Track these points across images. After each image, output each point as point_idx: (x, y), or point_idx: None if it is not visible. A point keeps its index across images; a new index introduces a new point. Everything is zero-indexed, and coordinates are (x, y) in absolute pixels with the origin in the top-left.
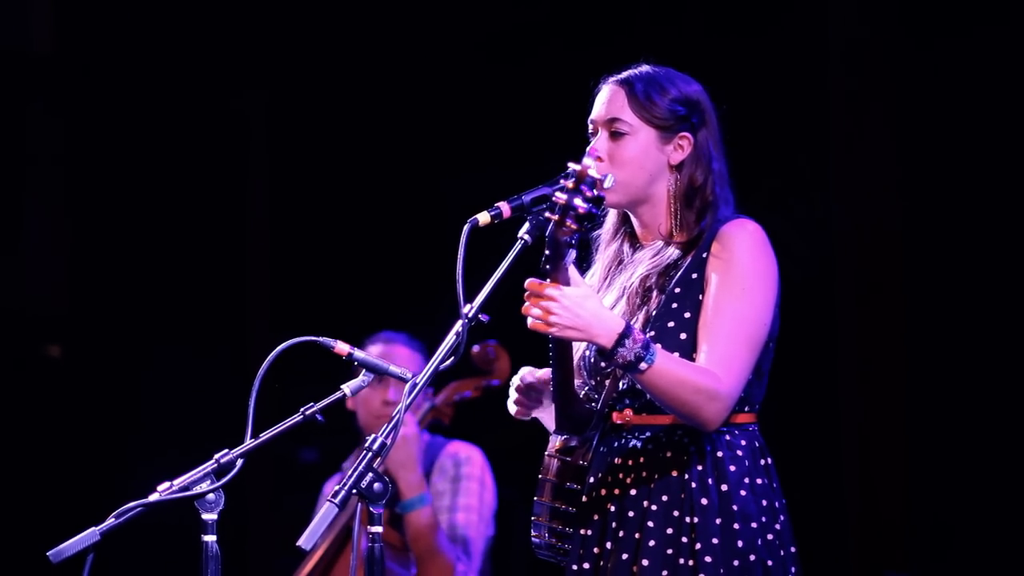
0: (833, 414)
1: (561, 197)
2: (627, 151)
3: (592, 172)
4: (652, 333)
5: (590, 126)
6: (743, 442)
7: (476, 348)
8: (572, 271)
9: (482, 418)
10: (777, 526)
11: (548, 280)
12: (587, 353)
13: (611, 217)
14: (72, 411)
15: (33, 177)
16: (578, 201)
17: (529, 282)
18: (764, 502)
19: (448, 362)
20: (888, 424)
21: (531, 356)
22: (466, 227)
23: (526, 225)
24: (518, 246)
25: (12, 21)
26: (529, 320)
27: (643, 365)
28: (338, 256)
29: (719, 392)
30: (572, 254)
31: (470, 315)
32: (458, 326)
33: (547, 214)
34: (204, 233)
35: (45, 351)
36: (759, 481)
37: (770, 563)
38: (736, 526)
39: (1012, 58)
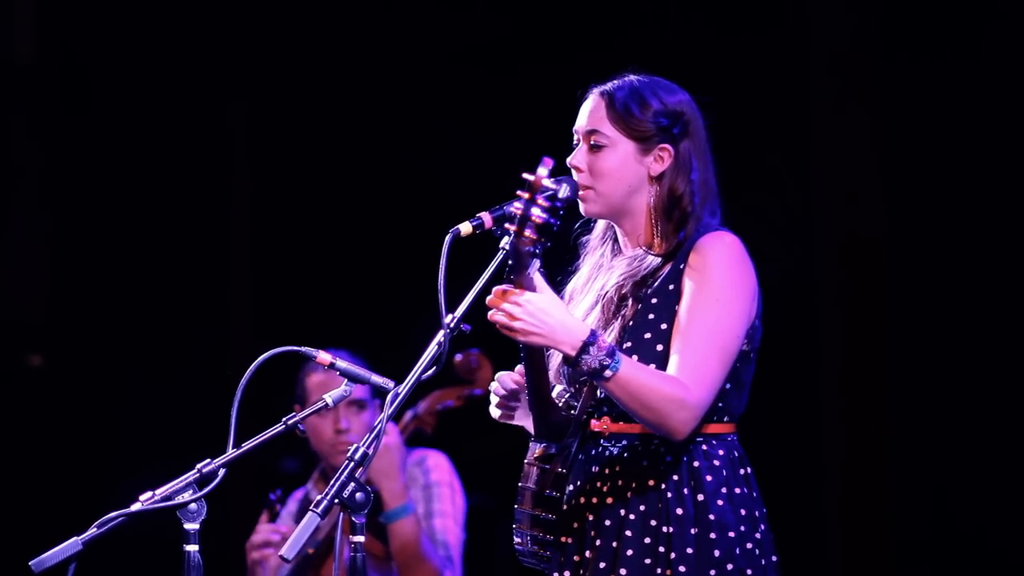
0: (814, 421)
1: (518, 208)
2: (606, 163)
3: (546, 182)
4: (629, 344)
5: (574, 135)
6: (721, 452)
7: (459, 357)
8: (538, 279)
9: (464, 427)
10: (757, 535)
11: (513, 284)
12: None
13: (600, 223)
14: (53, 420)
15: (14, 187)
16: (535, 211)
17: (495, 289)
18: (743, 511)
19: (431, 371)
20: (869, 431)
21: (514, 366)
22: (448, 237)
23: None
24: (500, 256)
25: None
26: (496, 325)
27: (608, 372)
28: (320, 265)
29: (687, 401)
30: (536, 263)
31: (452, 325)
32: (440, 335)
33: (506, 224)
34: (186, 243)
35: (26, 360)
36: (737, 491)
37: (749, 572)
38: (712, 535)
39: (994, 65)
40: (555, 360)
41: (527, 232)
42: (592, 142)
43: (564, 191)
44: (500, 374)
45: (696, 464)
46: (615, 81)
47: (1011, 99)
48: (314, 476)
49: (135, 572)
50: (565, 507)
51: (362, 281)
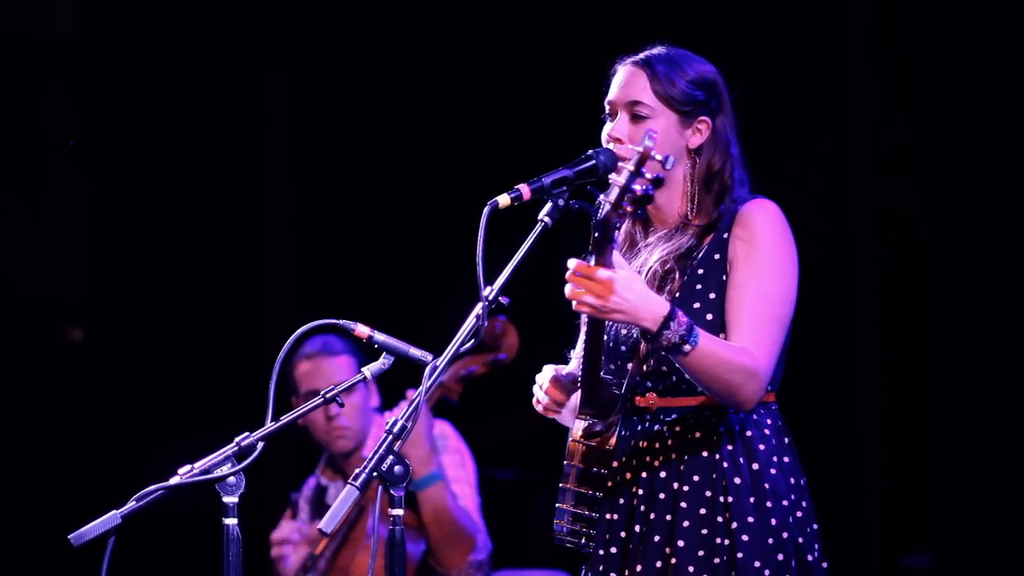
0: (854, 394)
1: (619, 180)
2: (647, 133)
3: (656, 155)
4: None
5: (607, 107)
6: (768, 421)
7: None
8: (616, 254)
9: (494, 398)
10: (804, 503)
11: (594, 263)
12: (606, 337)
13: None
14: (93, 395)
15: (53, 161)
16: (637, 184)
17: (579, 264)
18: (792, 480)
19: (469, 344)
20: (909, 405)
21: (539, 332)
22: (486, 209)
23: (547, 207)
24: (538, 228)
25: (31, 4)
26: (575, 302)
27: (687, 347)
28: (358, 240)
29: (756, 371)
30: (619, 237)
31: (491, 297)
32: (479, 308)
33: (601, 197)
34: (224, 216)
35: (66, 335)
36: (786, 460)
37: (800, 540)
38: (769, 504)
39: None
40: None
41: (624, 205)
42: (634, 112)
43: (670, 163)
44: (548, 374)
45: (749, 434)
46: (649, 51)
47: None
48: (321, 463)
49: (174, 546)
50: (610, 484)
51: (399, 255)
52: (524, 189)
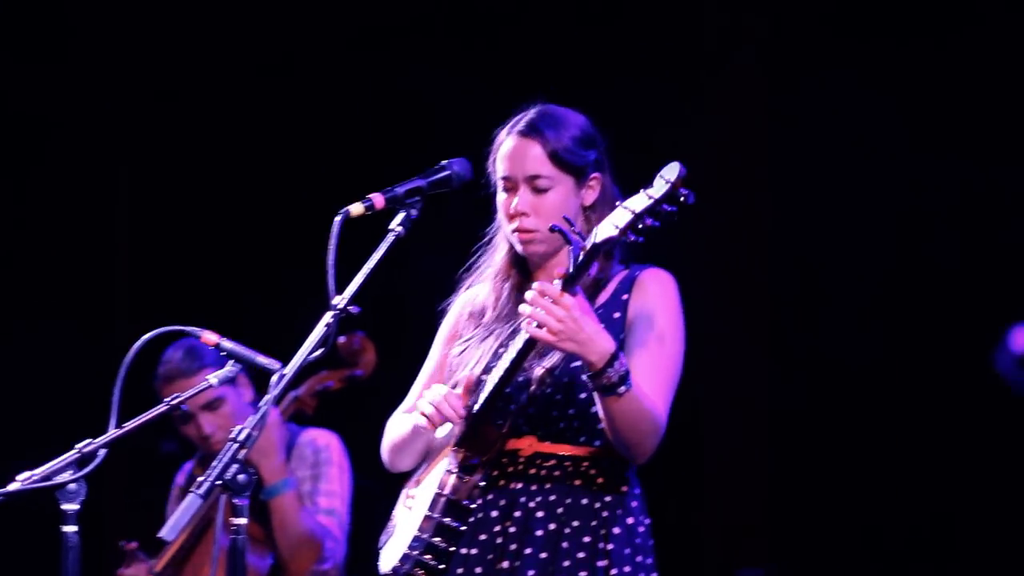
0: (693, 416)
1: (634, 208)
2: (551, 202)
3: (683, 188)
4: (576, 364)
5: (502, 183)
6: (634, 479)
7: (342, 339)
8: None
9: (346, 409)
10: (654, 564)
11: (562, 287)
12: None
13: (502, 252)
14: None
15: None
16: (650, 217)
17: (545, 286)
18: (650, 542)
19: (317, 353)
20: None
21: (397, 348)
22: (338, 218)
23: (399, 217)
24: (390, 238)
25: None
26: (526, 323)
27: (622, 388)
28: (204, 248)
29: (661, 427)
30: (596, 267)
31: (341, 306)
32: (328, 317)
33: (615, 224)
34: (68, 217)
35: None
36: (646, 521)
37: None
38: (639, 559)
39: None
40: (475, 373)
41: (628, 233)
42: (535, 186)
43: (691, 199)
44: (447, 393)
45: (623, 488)
46: (530, 117)
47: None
48: (196, 457)
49: (11, 553)
50: (472, 520)
51: (247, 265)
52: (377, 199)
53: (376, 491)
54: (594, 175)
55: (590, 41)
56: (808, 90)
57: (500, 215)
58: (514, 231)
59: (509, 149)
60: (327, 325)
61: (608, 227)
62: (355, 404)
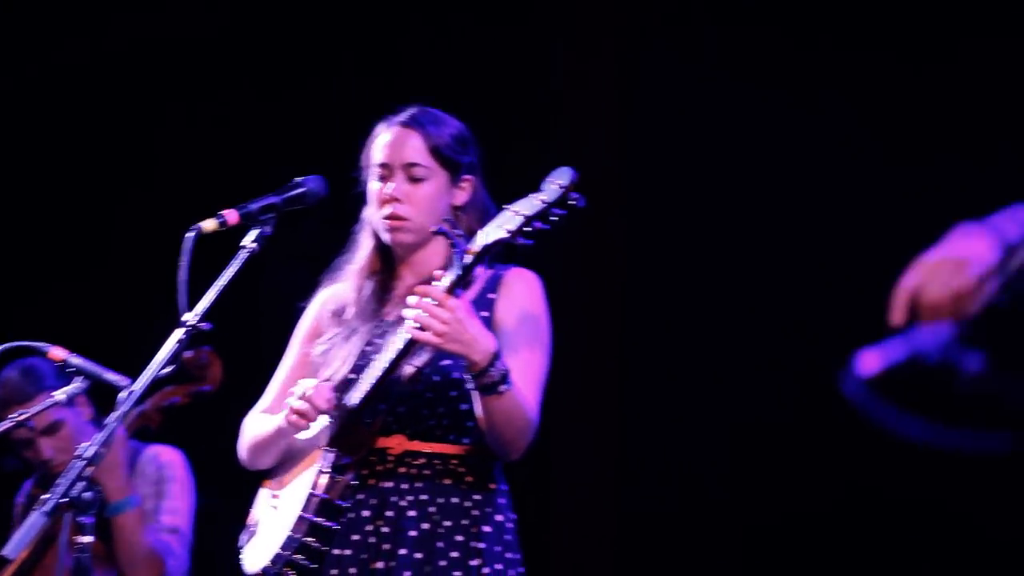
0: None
1: (523, 211)
2: (424, 193)
3: (573, 193)
4: (445, 362)
5: (378, 170)
6: (501, 477)
7: (189, 354)
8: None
9: (193, 424)
10: (521, 558)
11: (446, 290)
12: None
13: (367, 249)
14: None
15: None
16: (539, 221)
17: (430, 288)
18: (519, 538)
19: (167, 370)
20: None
21: (245, 364)
22: (190, 234)
23: (253, 233)
24: (243, 255)
25: None
26: (410, 324)
27: (503, 387)
28: (47, 263)
29: (534, 426)
30: (480, 269)
31: (191, 323)
32: (179, 334)
33: (508, 228)
34: None
35: None
36: (513, 517)
37: None
38: (508, 555)
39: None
40: (339, 374)
41: (518, 237)
42: (411, 174)
43: (581, 203)
44: (318, 385)
45: (491, 486)
46: (412, 112)
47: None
48: (35, 476)
49: None
50: (344, 520)
51: (98, 277)
52: (231, 214)
53: (220, 508)
54: (468, 176)
55: (429, 56)
56: (664, 89)
57: (370, 203)
58: (384, 218)
59: (388, 138)
60: (178, 342)
61: (496, 230)
62: (201, 420)
